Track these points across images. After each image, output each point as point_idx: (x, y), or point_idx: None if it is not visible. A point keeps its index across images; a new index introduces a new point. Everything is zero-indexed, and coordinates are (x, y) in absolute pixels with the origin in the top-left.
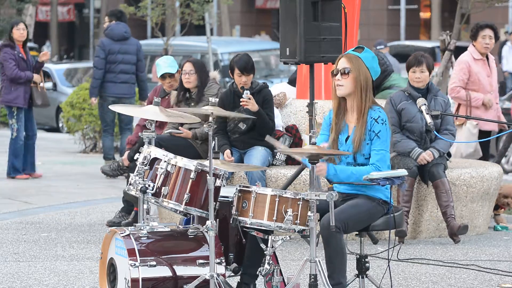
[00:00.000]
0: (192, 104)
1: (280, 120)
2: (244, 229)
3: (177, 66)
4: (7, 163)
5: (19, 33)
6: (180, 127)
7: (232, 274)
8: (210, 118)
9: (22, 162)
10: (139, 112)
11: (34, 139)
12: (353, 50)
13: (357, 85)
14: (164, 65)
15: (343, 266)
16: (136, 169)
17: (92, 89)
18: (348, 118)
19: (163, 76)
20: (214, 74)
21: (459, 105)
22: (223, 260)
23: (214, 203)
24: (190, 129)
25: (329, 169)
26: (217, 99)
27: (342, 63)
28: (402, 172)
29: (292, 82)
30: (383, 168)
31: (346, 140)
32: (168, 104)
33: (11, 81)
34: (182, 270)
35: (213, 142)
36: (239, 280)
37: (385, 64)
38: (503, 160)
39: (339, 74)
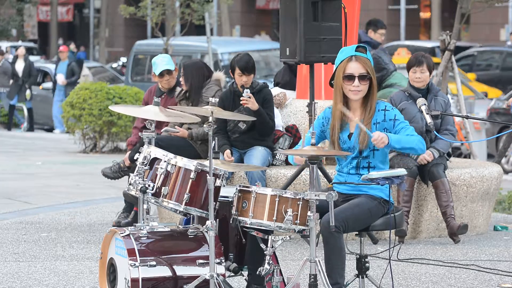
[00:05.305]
0: (190, 104)
1: (280, 120)
2: (244, 229)
3: (173, 64)
4: None
5: None
6: (176, 126)
7: (232, 274)
8: (210, 118)
9: None
10: (139, 112)
11: None
12: (356, 50)
13: (372, 87)
14: (162, 62)
15: (341, 266)
16: (136, 169)
17: None
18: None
19: (161, 74)
20: (218, 75)
21: None
22: (223, 260)
23: (214, 203)
24: (188, 129)
25: (389, 137)
26: (217, 99)
27: (357, 68)
28: (401, 171)
29: (285, 85)
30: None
31: (349, 137)
32: (165, 103)
33: None
34: (182, 270)
35: (213, 142)
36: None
37: (383, 62)
38: (503, 160)
39: (357, 80)
